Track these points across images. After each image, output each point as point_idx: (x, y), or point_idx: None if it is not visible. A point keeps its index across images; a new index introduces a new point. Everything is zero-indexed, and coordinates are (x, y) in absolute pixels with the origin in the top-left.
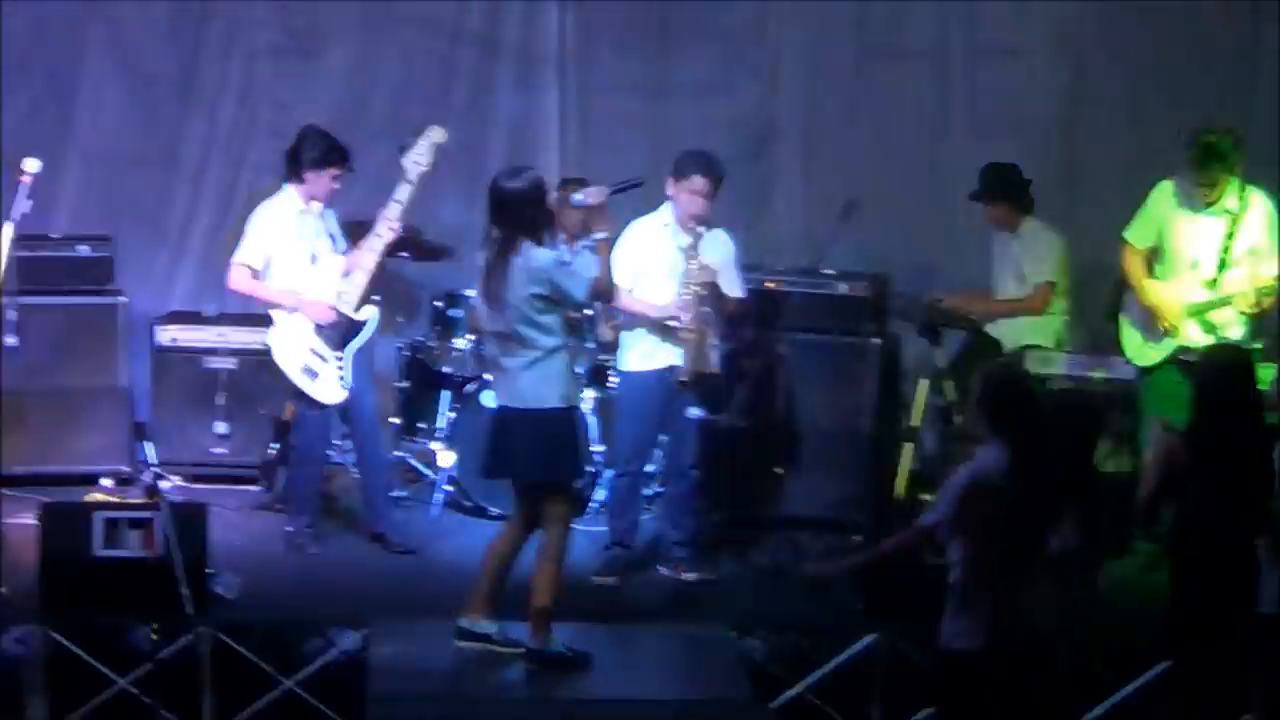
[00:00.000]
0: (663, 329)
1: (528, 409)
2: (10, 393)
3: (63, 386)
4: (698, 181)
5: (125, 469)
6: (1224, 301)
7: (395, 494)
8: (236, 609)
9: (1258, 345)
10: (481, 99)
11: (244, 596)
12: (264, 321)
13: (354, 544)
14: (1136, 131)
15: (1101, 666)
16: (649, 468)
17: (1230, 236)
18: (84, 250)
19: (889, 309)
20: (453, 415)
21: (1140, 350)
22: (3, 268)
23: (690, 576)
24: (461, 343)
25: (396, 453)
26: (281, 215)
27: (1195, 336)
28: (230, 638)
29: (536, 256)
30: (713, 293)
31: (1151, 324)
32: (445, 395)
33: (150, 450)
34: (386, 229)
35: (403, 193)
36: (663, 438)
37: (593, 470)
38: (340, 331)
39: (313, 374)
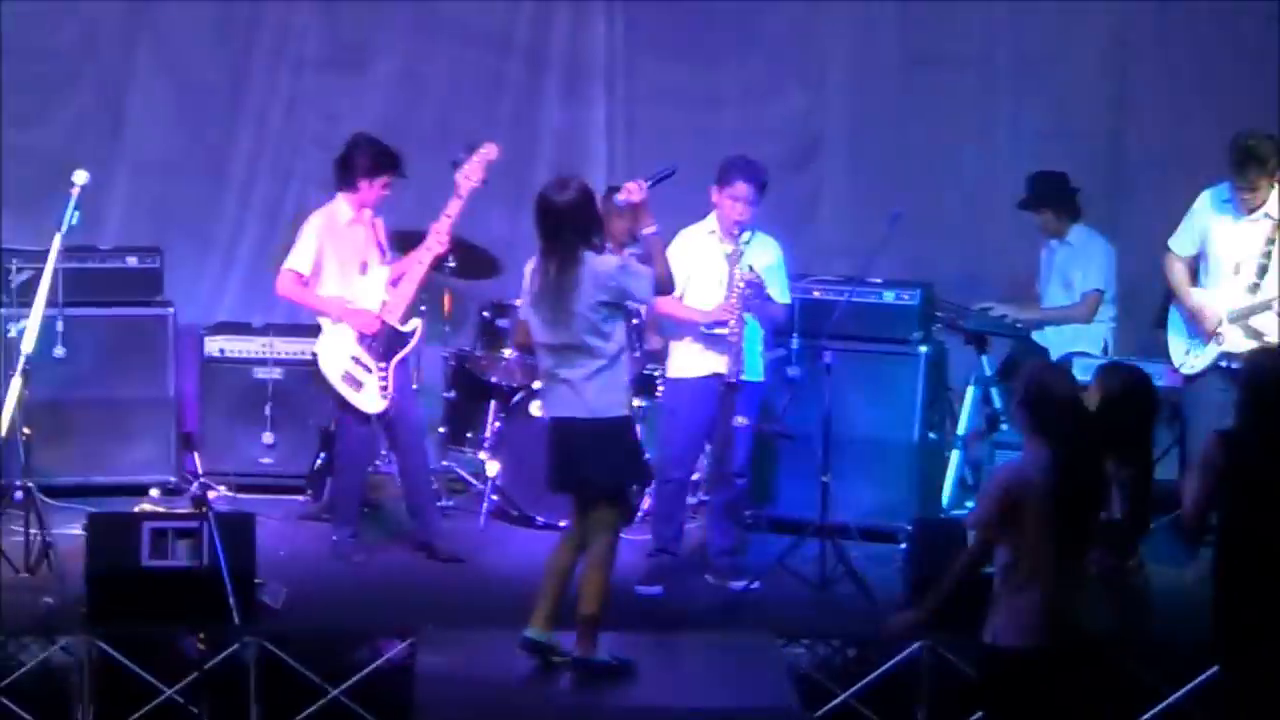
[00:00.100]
0: (709, 335)
1: (595, 419)
2: (58, 404)
3: (111, 397)
4: (741, 187)
5: (173, 479)
6: (1266, 306)
7: (442, 503)
8: (283, 619)
9: None
10: (528, 110)
11: (290, 606)
12: (311, 332)
13: (400, 553)
14: (1183, 138)
15: (1148, 672)
16: (694, 475)
17: (1272, 242)
18: (132, 262)
19: (936, 317)
20: (499, 425)
21: (1184, 358)
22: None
23: (736, 585)
24: (508, 352)
25: (443, 462)
26: (333, 223)
27: (1238, 342)
28: (277, 647)
29: (603, 263)
30: (760, 297)
31: (1194, 331)
32: (492, 405)
33: (198, 460)
34: (436, 242)
35: (453, 207)
36: (708, 445)
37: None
38: (385, 342)
39: (356, 383)
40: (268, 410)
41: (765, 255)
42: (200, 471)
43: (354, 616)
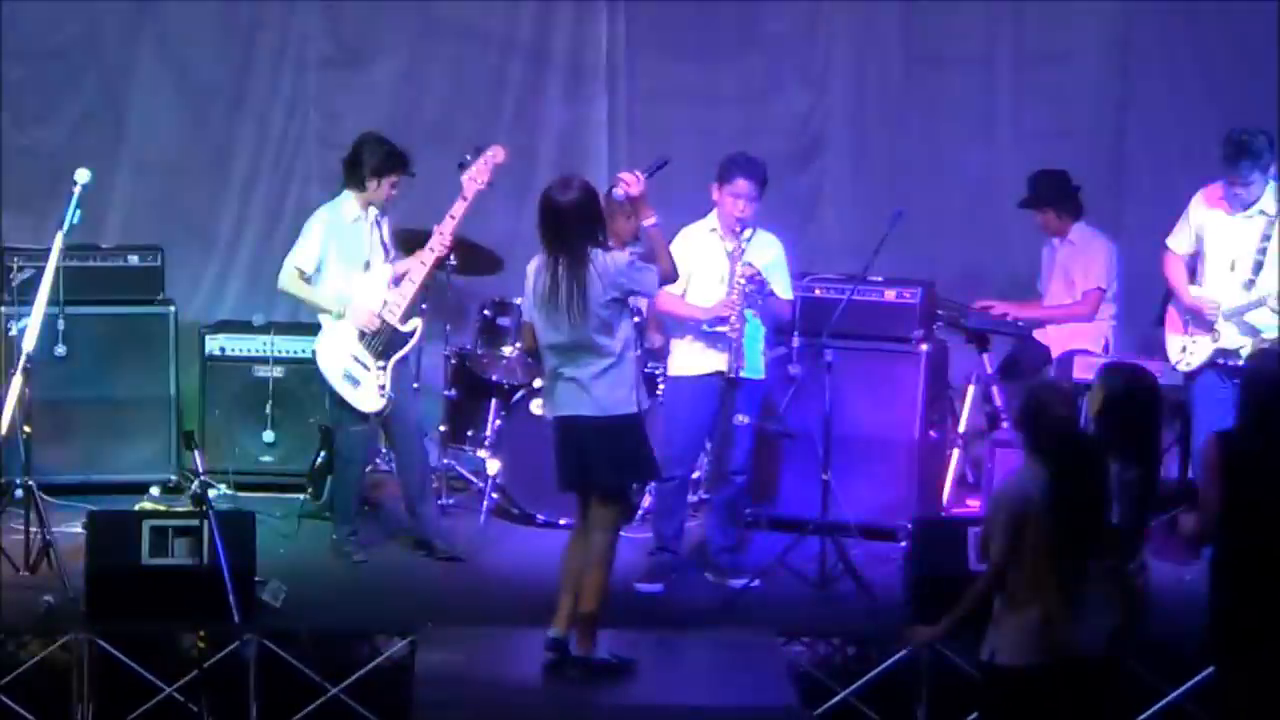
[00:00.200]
0: (710, 333)
1: (604, 416)
2: (59, 402)
3: (111, 396)
4: (741, 185)
5: (173, 478)
6: (1259, 304)
7: (442, 501)
8: (283, 617)
9: None
10: (530, 108)
11: (290, 604)
12: (312, 331)
13: (400, 552)
14: (1185, 137)
15: (1149, 672)
16: (695, 474)
17: (1268, 238)
18: (134, 260)
19: (937, 315)
20: (499, 423)
21: (1181, 355)
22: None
23: (736, 583)
24: (509, 351)
25: (444, 460)
26: (338, 220)
27: (1234, 338)
28: (277, 645)
29: (612, 260)
30: (761, 294)
31: (1190, 328)
32: (492, 403)
33: (198, 459)
34: (439, 243)
35: (458, 209)
36: (709, 443)
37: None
38: (384, 340)
39: (354, 381)
40: (268, 409)
41: (767, 253)
42: (200, 470)
43: (354, 615)
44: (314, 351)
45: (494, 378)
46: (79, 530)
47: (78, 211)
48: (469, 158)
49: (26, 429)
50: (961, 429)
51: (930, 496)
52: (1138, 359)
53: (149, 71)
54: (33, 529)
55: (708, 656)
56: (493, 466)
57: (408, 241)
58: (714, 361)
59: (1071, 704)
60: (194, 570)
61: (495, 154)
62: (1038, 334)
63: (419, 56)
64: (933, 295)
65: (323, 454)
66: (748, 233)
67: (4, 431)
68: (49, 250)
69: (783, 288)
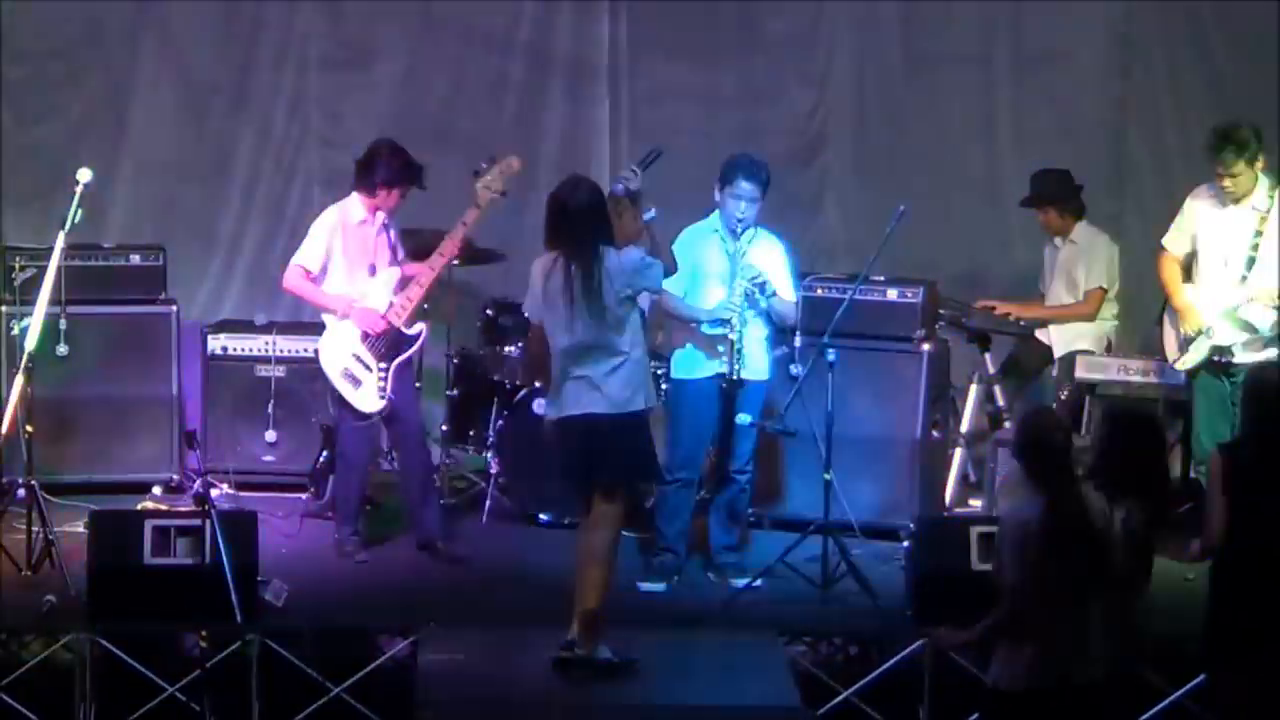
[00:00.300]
0: (711, 335)
1: (618, 414)
2: (61, 401)
3: (113, 395)
4: (743, 186)
5: (175, 477)
6: (1251, 299)
7: (444, 501)
8: (285, 616)
9: None
10: (531, 109)
11: (292, 604)
12: (314, 330)
13: (402, 551)
14: (1186, 137)
15: (1148, 672)
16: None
17: (1259, 234)
18: (135, 259)
19: (939, 315)
20: (501, 423)
21: (1178, 354)
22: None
23: (738, 582)
24: (511, 350)
25: (445, 460)
26: (344, 221)
27: (1229, 335)
28: (279, 645)
29: (626, 257)
30: (764, 295)
31: (1183, 327)
32: (494, 403)
33: (200, 458)
34: (450, 249)
35: (470, 216)
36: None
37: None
38: (388, 342)
39: (355, 381)
40: (270, 408)
41: (769, 253)
42: (202, 469)
43: (356, 614)
44: (316, 350)
45: (495, 378)
46: (81, 530)
47: (79, 211)
48: (484, 166)
49: (29, 428)
50: (963, 428)
51: (932, 496)
52: (1140, 358)
53: (150, 71)
54: (35, 528)
55: (710, 656)
56: (494, 466)
57: (407, 240)
58: (716, 364)
59: None
60: (196, 570)
61: (511, 164)
62: (1039, 334)
63: (420, 56)
64: (935, 295)
65: (324, 453)
66: (750, 233)
67: (6, 431)
68: (51, 249)
69: (785, 288)
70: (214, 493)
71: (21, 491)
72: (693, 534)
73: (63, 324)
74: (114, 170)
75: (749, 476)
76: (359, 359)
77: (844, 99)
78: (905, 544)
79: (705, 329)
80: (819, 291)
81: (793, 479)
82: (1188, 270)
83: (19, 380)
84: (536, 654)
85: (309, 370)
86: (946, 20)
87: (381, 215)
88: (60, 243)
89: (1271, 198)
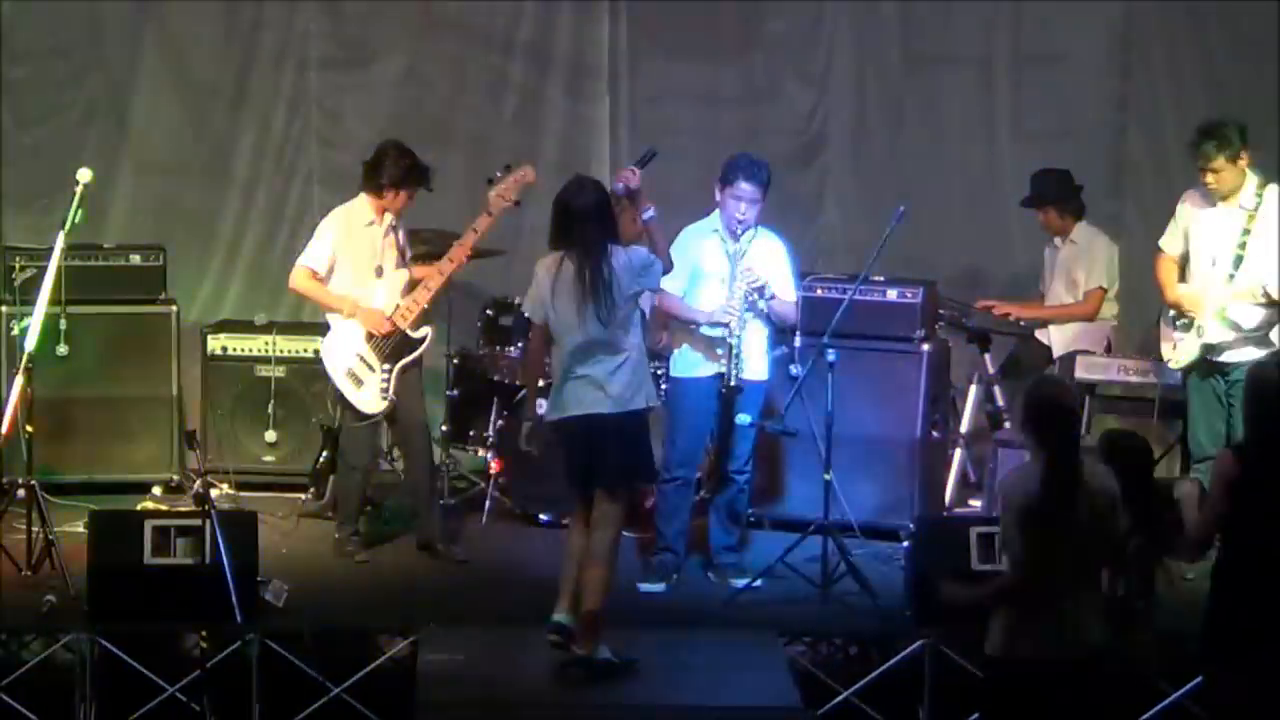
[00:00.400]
0: (710, 336)
1: (622, 412)
2: (61, 401)
3: (113, 395)
4: (744, 187)
5: (175, 477)
6: (1236, 296)
7: (444, 501)
8: (285, 616)
9: None
10: (532, 109)
11: (293, 604)
12: (314, 330)
13: (403, 552)
14: (1185, 137)
15: (1148, 673)
16: (697, 474)
17: (1247, 233)
18: (136, 260)
19: (939, 315)
20: (501, 423)
21: (1171, 353)
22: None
23: (738, 582)
24: (512, 350)
25: (445, 460)
26: (350, 222)
27: (1218, 333)
28: (279, 645)
29: (635, 254)
30: (763, 298)
31: (1176, 326)
32: (494, 403)
33: (200, 458)
34: (460, 254)
35: (482, 223)
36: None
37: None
38: (393, 344)
39: (358, 381)
40: (270, 408)
41: (769, 253)
42: (202, 469)
43: (356, 614)
44: (318, 350)
45: (495, 377)
46: (81, 530)
47: (80, 211)
48: (498, 174)
49: (29, 428)
50: (963, 428)
51: (932, 496)
52: (1140, 358)
53: (151, 71)
54: (35, 528)
55: (710, 656)
56: (494, 466)
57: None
58: (715, 363)
59: (1072, 701)
60: (196, 570)
61: (525, 174)
62: (1039, 334)
63: (419, 56)
64: (934, 295)
65: (325, 454)
66: (750, 233)
67: (6, 431)
68: (51, 250)
69: (786, 289)
70: (214, 493)
71: (21, 491)
72: (692, 534)
73: (63, 324)
74: (114, 170)
75: (748, 477)
76: (363, 359)
77: (844, 99)
78: (905, 544)
79: (704, 330)
80: (819, 291)
81: (793, 479)
82: (1184, 270)
83: (19, 380)
84: (536, 654)
85: (309, 370)
86: (946, 20)
87: (389, 216)
88: (60, 243)
89: (1259, 196)
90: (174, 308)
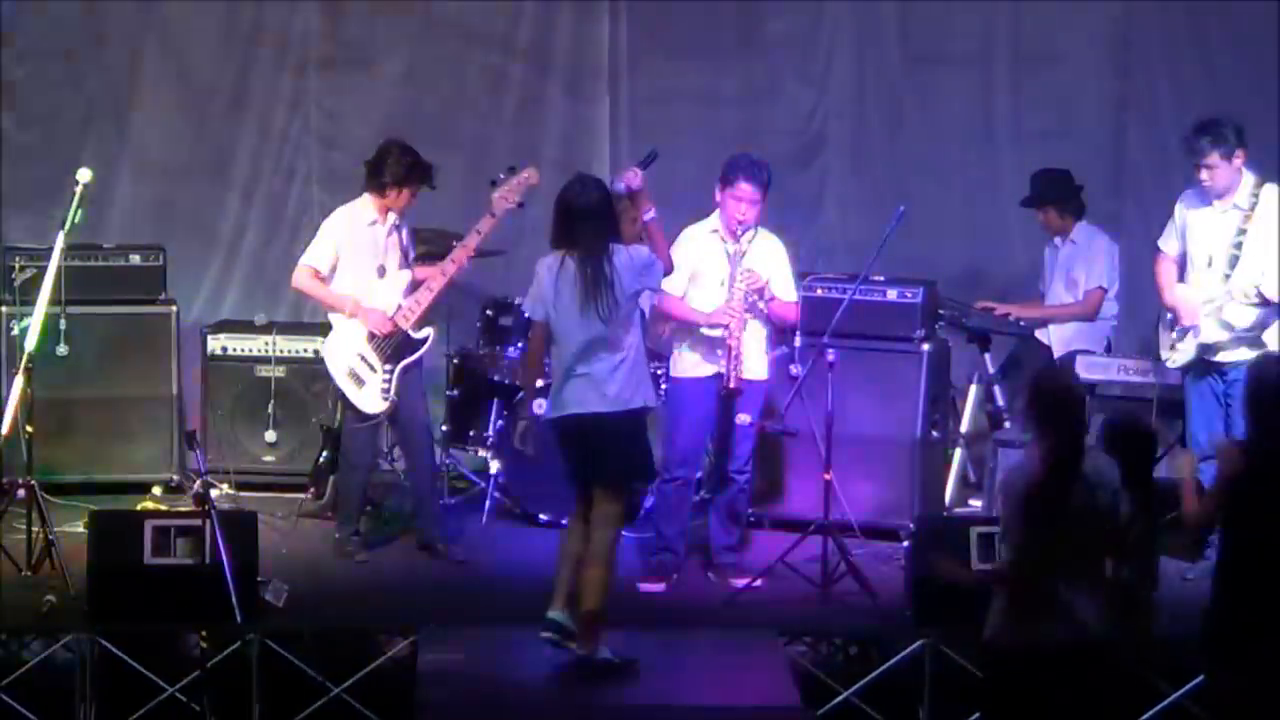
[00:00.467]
0: (710, 337)
1: (619, 411)
2: (61, 401)
3: (113, 395)
4: (744, 187)
5: (175, 477)
6: (1229, 295)
7: (444, 501)
8: (285, 617)
9: None
10: (532, 109)
11: (293, 604)
12: (314, 330)
13: (403, 552)
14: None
15: (1148, 672)
16: (697, 473)
17: (1243, 233)
18: (135, 260)
19: (939, 315)
20: (501, 423)
21: (1169, 353)
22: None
23: (738, 582)
24: (511, 350)
25: (446, 460)
26: (353, 222)
27: (1213, 333)
28: (279, 645)
29: (636, 253)
30: (762, 299)
31: (1174, 326)
32: (494, 403)
33: (200, 458)
34: (463, 255)
35: (485, 225)
36: (710, 443)
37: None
38: (395, 345)
39: (359, 381)
40: (270, 408)
41: (769, 253)
42: (202, 469)
43: (356, 614)
44: (318, 350)
45: (495, 377)
46: (81, 530)
47: (80, 211)
48: (502, 176)
49: (28, 428)
50: (963, 428)
51: (932, 496)
52: (1140, 358)
53: (151, 71)
54: (35, 528)
55: (710, 656)
56: (494, 466)
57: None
58: (715, 364)
59: (1071, 687)
60: (196, 570)
61: (529, 175)
62: (1039, 334)
63: (419, 57)
64: (934, 295)
65: (325, 454)
66: (750, 234)
67: (6, 431)
68: (51, 250)
69: (785, 289)
70: (214, 493)
71: (21, 491)
72: (692, 534)
73: (63, 324)
74: (114, 171)
75: (748, 477)
76: (364, 359)
77: (844, 99)
78: (905, 544)
79: (704, 330)
80: (819, 291)
81: (793, 479)
82: (1183, 271)
83: (19, 380)
84: (536, 654)
85: (309, 370)
86: (946, 20)
87: (393, 216)
88: (60, 243)
89: (1255, 196)
90: (174, 308)
